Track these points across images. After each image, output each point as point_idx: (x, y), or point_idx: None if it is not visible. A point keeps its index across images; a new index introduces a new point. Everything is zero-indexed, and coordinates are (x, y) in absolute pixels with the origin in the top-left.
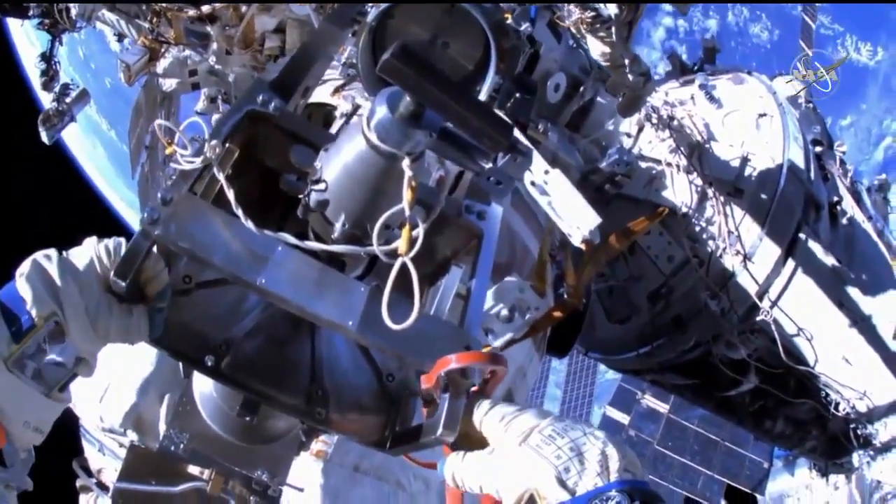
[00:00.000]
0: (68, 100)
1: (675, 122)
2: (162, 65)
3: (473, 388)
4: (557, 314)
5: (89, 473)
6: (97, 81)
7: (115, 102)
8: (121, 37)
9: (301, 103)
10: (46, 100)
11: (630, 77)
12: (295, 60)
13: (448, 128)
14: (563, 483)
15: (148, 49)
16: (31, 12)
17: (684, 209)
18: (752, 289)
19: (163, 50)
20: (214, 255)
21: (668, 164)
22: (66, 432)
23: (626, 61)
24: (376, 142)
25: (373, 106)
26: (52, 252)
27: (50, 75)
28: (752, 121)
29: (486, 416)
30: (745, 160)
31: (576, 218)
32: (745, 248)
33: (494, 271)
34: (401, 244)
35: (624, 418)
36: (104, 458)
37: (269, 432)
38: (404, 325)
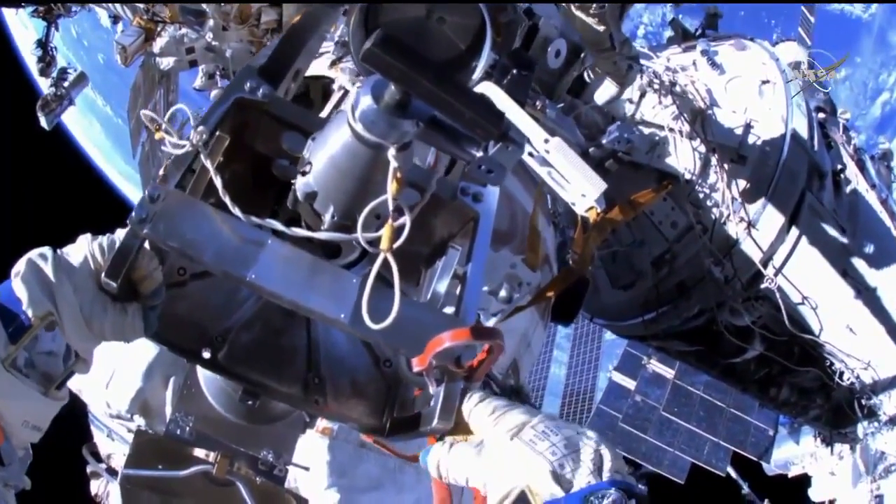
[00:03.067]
0: (66, 84)
1: (678, 88)
2: (158, 44)
3: (470, 364)
4: (563, 281)
5: (99, 459)
6: (90, 58)
7: (108, 78)
8: (116, 19)
9: (293, 87)
10: (44, 85)
11: (615, 62)
12: (283, 44)
13: (436, 116)
14: (557, 479)
15: (143, 29)
16: (23, 2)
17: (687, 175)
18: (756, 256)
19: (158, 29)
20: (204, 252)
21: (671, 130)
22: (76, 419)
23: (616, 44)
24: (362, 132)
25: (357, 95)
26: (48, 251)
27: (47, 61)
28: (754, 87)
29: (476, 408)
30: (748, 127)
31: (580, 186)
32: (749, 216)
33: (495, 240)
34: (382, 239)
35: (630, 383)
36: (113, 443)
37: (273, 412)
38: (383, 325)
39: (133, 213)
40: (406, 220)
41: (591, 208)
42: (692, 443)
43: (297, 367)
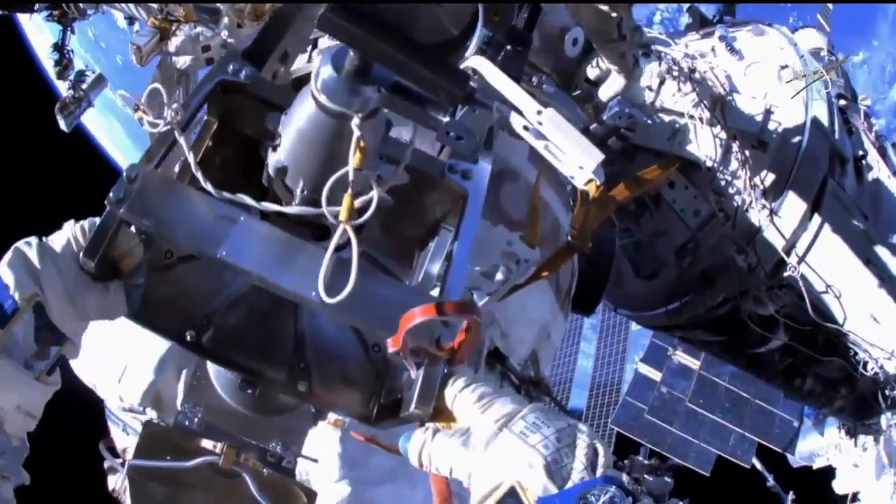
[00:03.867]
0: (84, 86)
1: (697, 75)
2: (174, 43)
3: (450, 345)
4: (561, 258)
5: (115, 454)
6: (108, 59)
7: (126, 78)
8: (131, 20)
9: (282, 69)
10: (63, 88)
11: (622, 54)
12: (267, 27)
13: (400, 82)
14: (551, 473)
15: (158, 29)
16: (36, 6)
17: (709, 163)
18: (779, 244)
19: (173, 28)
20: (177, 230)
21: (691, 117)
22: (93, 415)
23: (627, 32)
24: (324, 102)
25: (319, 65)
26: (33, 239)
27: (64, 64)
28: (773, 72)
29: (462, 394)
30: (768, 112)
31: (577, 157)
32: (771, 203)
33: (514, 229)
34: (341, 211)
35: (656, 375)
36: (128, 438)
37: (281, 403)
38: (337, 299)
39: (111, 194)
40: (375, 193)
41: (591, 181)
42: (718, 434)
43: (283, 352)
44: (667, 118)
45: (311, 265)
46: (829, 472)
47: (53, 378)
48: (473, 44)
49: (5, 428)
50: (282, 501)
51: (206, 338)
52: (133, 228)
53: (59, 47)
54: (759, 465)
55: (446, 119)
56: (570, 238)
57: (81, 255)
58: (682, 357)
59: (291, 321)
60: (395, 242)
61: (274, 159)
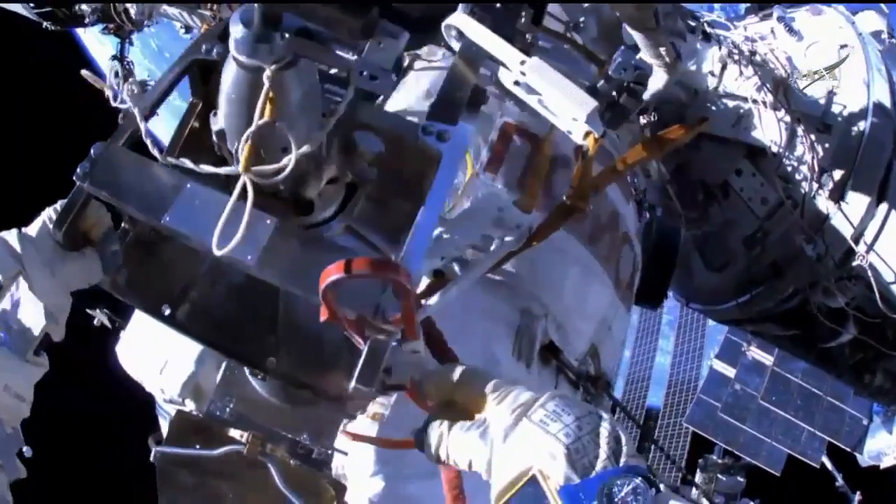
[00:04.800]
0: None
1: (758, 58)
2: None
3: (396, 318)
4: (558, 218)
5: None
6: None
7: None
8: (188, 29)
9: None
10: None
11: (661, 45)
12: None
13: (307, 27)
14: (572, 462)
15: None
16: (87, 19)
17: (774, 148)
18: (847, 232)
19: None
20: (129, 199)
21: (755, 102)
22: (146, 410)
23: (661, 17)
24: (240, 58)
25: (231, 25)
26: (14, 230)
27: (124, 76)
28: (833, 52)
29: (470, 384)
30: (830, 94)
31: (568, 109)
32: (838, 188)
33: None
34: (241, 160)
35: (730, 371)
36: None
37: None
38: (225, 251)
39: (78, 169)
40: (291, 157)
41: (589, 134)
42: (789, 433)
43: (257, 327)
44: (731, 104)
45: (247, 229)
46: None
47: (41, 359)
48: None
49: None
50: (308, 493)
51: (181, 312)
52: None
53: (119, 59)
54: (828, 464)
55: (355, 57)
56: (566, 198)
57: (52, 227)
58: (755, 353)
59: (269, 298)
60: (385, 217)
61: (215, 125)
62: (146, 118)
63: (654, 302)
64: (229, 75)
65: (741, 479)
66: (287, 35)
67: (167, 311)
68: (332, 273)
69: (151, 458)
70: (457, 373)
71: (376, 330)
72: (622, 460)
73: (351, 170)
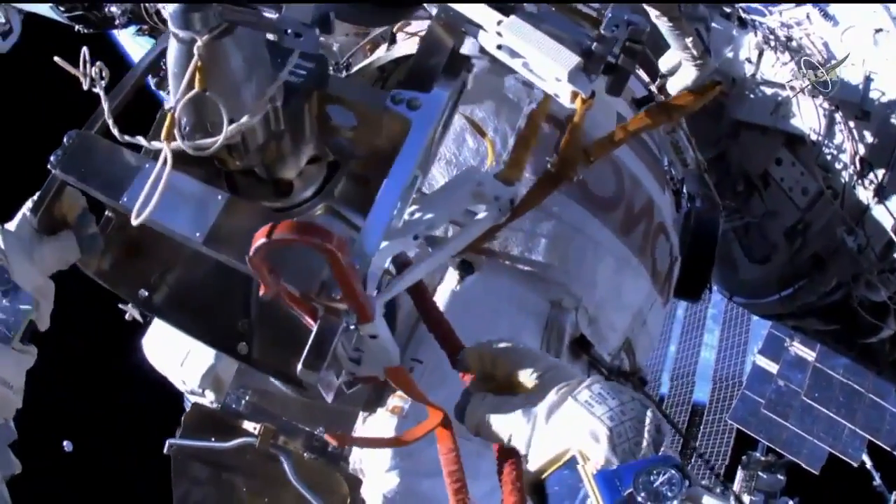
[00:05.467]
0: None
1: (794, 43)
2: None
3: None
4: (542, 189)
5: None
6: None
7: None
8: None
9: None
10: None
11: (686, 36)
12: None
13: None
14: (614, 447)
15: None
16: (116, 21)
17: (813, 136)
18: (888, 223)
19: None
20: (93, 183)
21: (792, 88)
22: (177, 405)
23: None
24: (175, 32)
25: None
26: None
27: (161, 75)
28: (869, 36)
29: (513, 359)
30: (868, 79)
31: (549, 68)
32: (879, 177)
33: (599, 207)
34: (163, 130)
35: (773, 367)
36: None
37: None
38: (140, 218)
39: (51, 157)
40: (222, 135)
41: (576, 95)
42: (830, 431)
43: (231, 313)
44: (769, 91)
45: (200, 206)
46: None
47: (29, 347)
48: None
49: None
50: (322, 488)
51: (158, 297)
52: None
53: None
54: (868, 463)
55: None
56: (551, 166)
57: (28, 213)
58: (798, 348)
59: (244, 282)
60: (366, 195)
61: (167, 104)
62: (120, 104)
63: (693, 295)
64: (171, 51)
65: (781, 478)
66: (217, 5)
67: (144, 295)
68: (257, 239)
69: (165, 450)
70: (500, 346)
71: (328, 310)
72: (660, 450)
73: (330, 147)
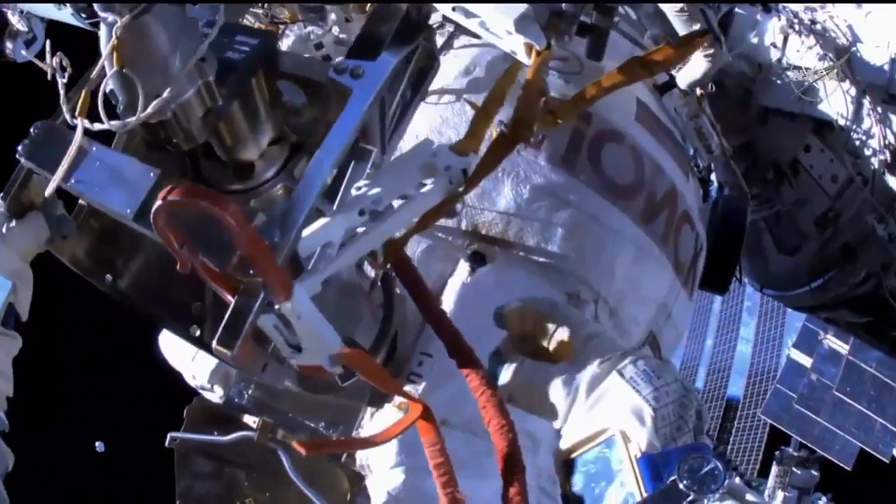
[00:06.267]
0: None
1: (818, 26)
2: (286, 45)
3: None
4: (496, 152)
5: None
6: None
7: None
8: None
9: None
10: None
11: (697, 26)
12: None
13: None
14: (657, 429)
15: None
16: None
17: (841, 121)
18: None
19: (282, 30)
20: (50, 168)
21: (818, 72)
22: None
23: None
24: (100, 12)
25: None
26: None
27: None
28: (893, 19)
29: (556, 321)
30: (894, 62)
31: (499, 21)
32: None
33: (618, 195)
34: (78, 107)
35: (807, 360)
36: None
37: (331, 380)
38: (49, 189)
39: (20, 146)
40: (139, 112)
41: (529, 47)
42: (862, 426)
43: (185, 295)
44: (795, 76)
45: (133, 183)
46: None
47: (11, 332)
48: None
49: None
50: (321, 482)
51: (122, 281)
52: None
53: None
54: None
55: None
56: (504, 127)
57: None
58: (832, 341)
59: None
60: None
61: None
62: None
63: (719, 287)
64: (102, 40)
65: (815, 473)
66: None
67: (109, 280)
68: (162, 197)
69: (167, 443)
70: (544, 306)
71: (245, 286)
72: (699, 437)
73: (290, 127)
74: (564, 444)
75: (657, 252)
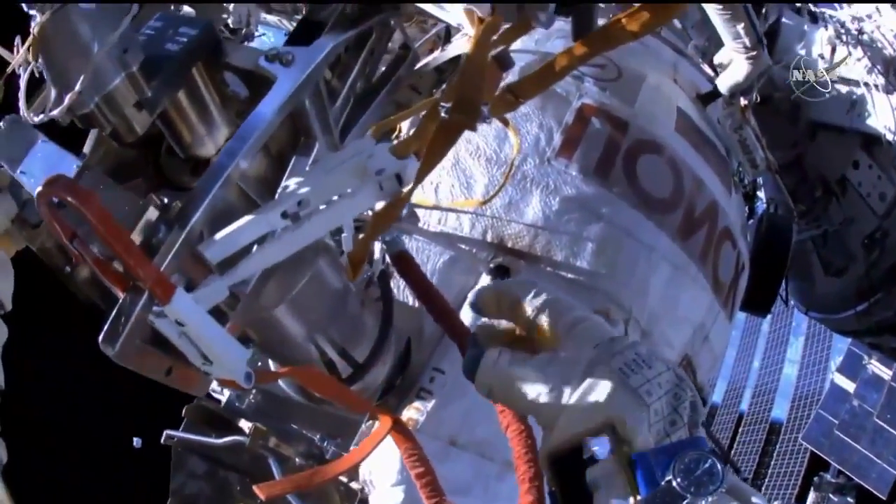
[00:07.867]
0: None
1: (865, 37)
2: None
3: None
4: (442, 136)
5: None
6: None
7: None
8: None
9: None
10: None
11: (741, 29)
12: None
13: None
14: (649, 424)
15: None
16: None
17: (889, 135)
18: None
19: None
20: (6, 162)
21: (866, 85)
22: None
23: None
24: (34, 13)
25: None
26: None
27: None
28: None
29: (534, 305)
30: None
31: None
32: None
33: (654, 209)
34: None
35: (850, 385)
36: None
37: None
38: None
39: None
40: (63, 103)
41: (470, 13)
42: None
43: None
44: (843, 89)
45: (54, 168)
46: None
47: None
48: None
49: None
50: (312, 496)
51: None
52: None
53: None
54: None
55: None
56: (446, 112)
57: None
58: (875, 367)
59: None
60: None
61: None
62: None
63: (761, 309)
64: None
65: (851, 501)
66: None
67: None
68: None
69: (162, 440)
70: (522, 288)
71: (134, 285)
72: (694, 431)
73: (241, 120)
74: (548, 443)
75: (694, 270)
